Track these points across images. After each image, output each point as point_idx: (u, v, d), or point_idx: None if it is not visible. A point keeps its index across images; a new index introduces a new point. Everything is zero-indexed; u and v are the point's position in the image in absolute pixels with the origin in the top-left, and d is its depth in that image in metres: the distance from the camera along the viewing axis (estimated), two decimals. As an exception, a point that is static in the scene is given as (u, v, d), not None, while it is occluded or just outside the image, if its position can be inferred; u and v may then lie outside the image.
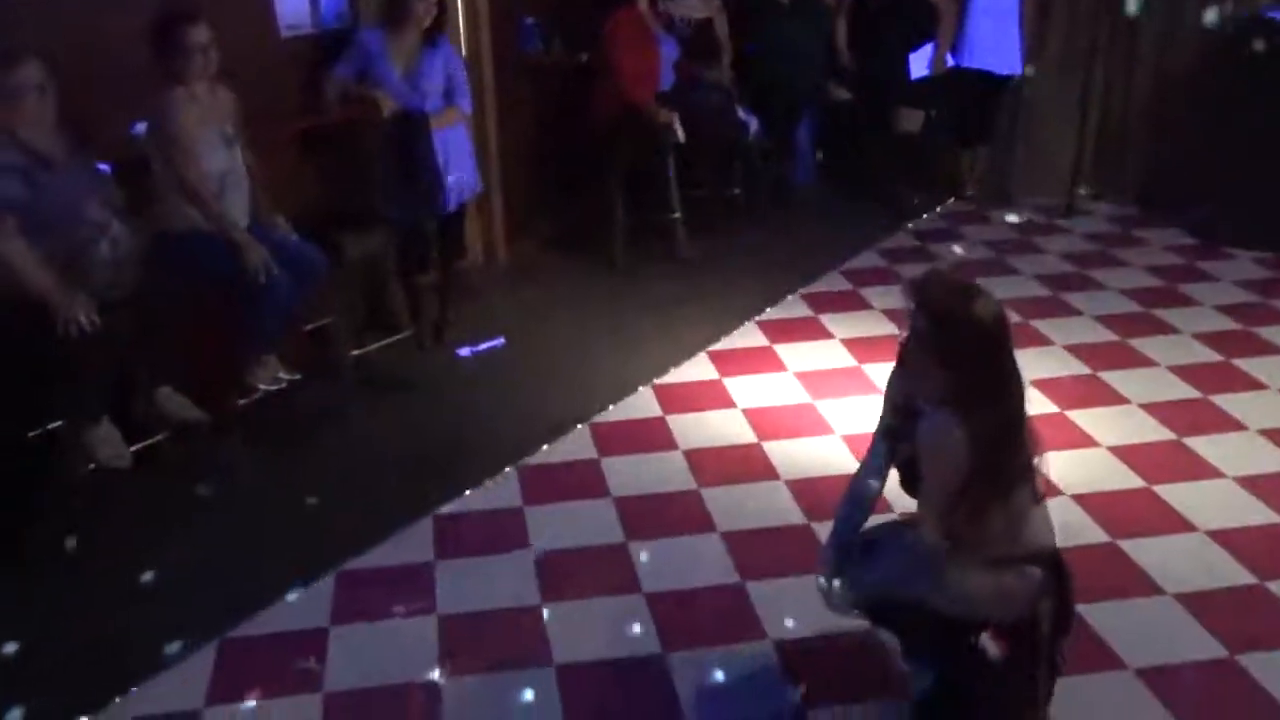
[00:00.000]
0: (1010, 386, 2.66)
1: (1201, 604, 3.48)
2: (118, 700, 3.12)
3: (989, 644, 2.69)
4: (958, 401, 2.59)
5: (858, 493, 2.93)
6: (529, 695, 3.13)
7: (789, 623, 3.41)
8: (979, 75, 7.37)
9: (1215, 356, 5.27)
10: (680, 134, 6.32)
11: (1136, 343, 5.43)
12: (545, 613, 3.49)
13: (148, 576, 3.67)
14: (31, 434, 3.98)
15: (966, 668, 2.74)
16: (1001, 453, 2.62)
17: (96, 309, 3.76)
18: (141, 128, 4.31)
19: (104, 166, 4.06)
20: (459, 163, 5.36)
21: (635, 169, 6.50)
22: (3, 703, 3.10)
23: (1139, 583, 3.59)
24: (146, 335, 4.04)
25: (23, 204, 3.70)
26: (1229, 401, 4.80)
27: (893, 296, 5.95)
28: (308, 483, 4.22)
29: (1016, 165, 7.83)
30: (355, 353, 4.93)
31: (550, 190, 6.98)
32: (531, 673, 3.22)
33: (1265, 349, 5.34)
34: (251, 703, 3.11)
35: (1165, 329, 5.60)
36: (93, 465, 3.95)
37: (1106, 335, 5.54)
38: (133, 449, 4.06)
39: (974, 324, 2.60)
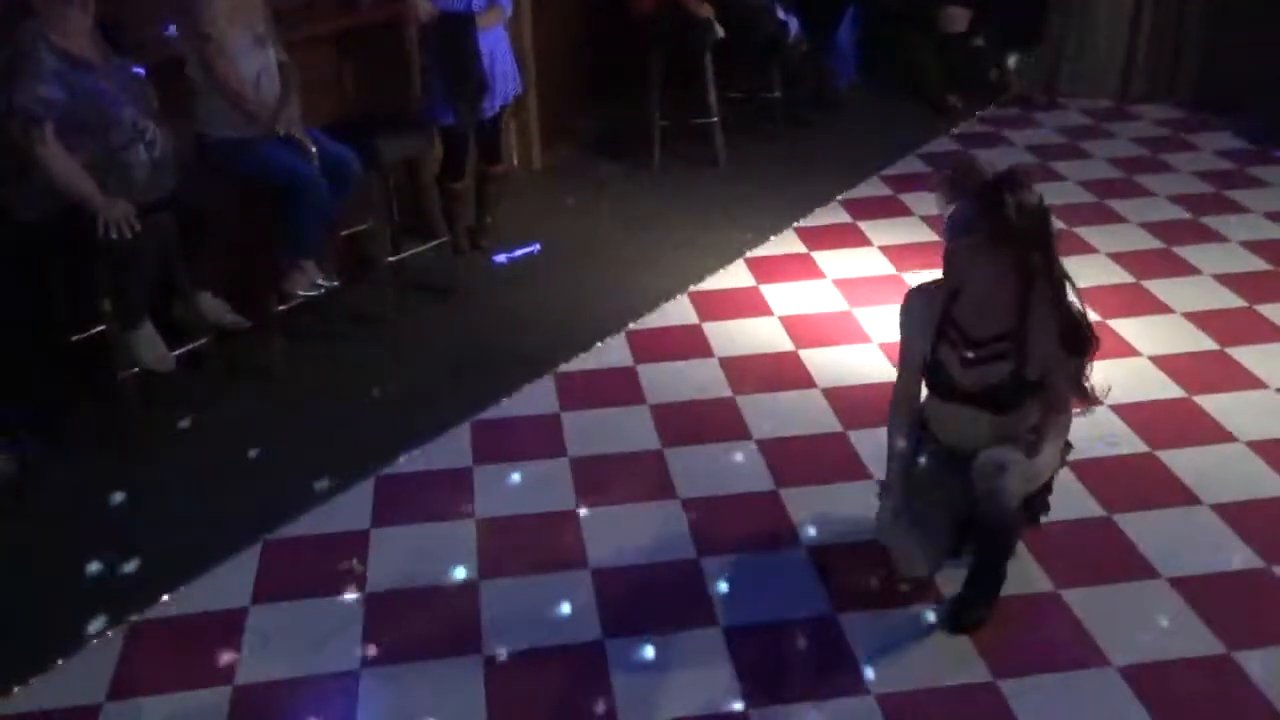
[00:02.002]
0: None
1: (1239, 514, 3.45)
2: (165, 598, 3.20)
3: None
4: (1039, 296, 2.78)
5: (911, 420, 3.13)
6: (565, 597, 3.18)
7: (822, 529, 3.43)
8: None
9: (1263, 265, 5.16)
10: (719, 30, 6.19)
11: (1182, 250, 5.33)
12: (582, 517, 3.53)
13: (190, 478, 3.76)
14: (75, 338, 4.03)
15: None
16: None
17: (136, 212, 3.77)
18: (173, 29, 4.27)
19: (140, 69, 4.04)
20: (501, 64, 5.27)
21: (673, 68, 6.38)
22: (55, 590, 3.21)
23: (1176, 493, 3.57)
24: (186, 238, 4.05)
25: (62, 108, 3.69)
26: (1275, 311, 4.71)
27: (933, 203, 5.86)
28: (347, 388, 4.27)
29: (1065, 66, 7.61)
30: (392, 258, 4.92)
31: (587, 92, 6.88)
32: (567, 575, 3.27)
33: (1316, 257, 5.23)
34: (295, 602, 3.19)
35: (1212, 236, 5.49)
36: (136, 368, 4.00)
37: (1152, 242, 5.43)
38: (175, 353, 4.10)
39: (1023, 202, 2.71)
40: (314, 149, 4.30)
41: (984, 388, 2.92)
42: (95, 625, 3.07)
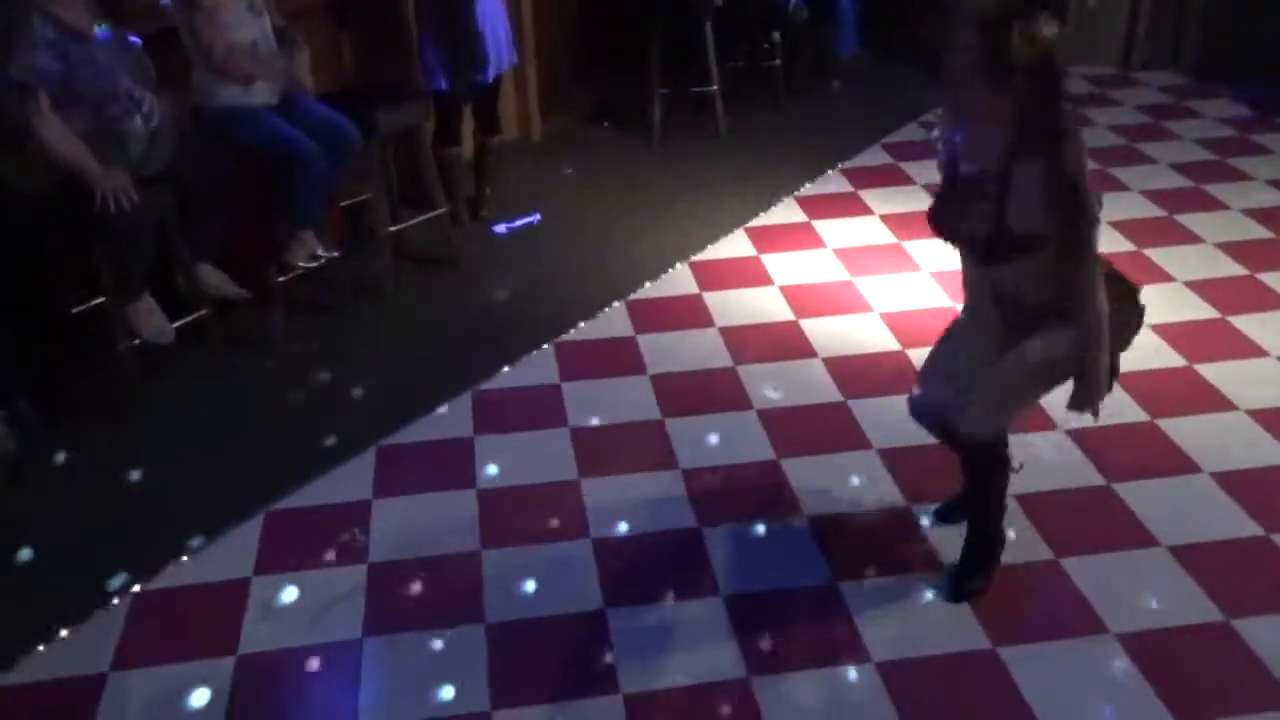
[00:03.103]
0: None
1: (1240, 482, 3.46)
2: (168, 568, 3.21)
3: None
4: (1031, 141, 2.52)
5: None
6: (566, 566, 3.19)
7: (823, 498, 3.44)
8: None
9: (1265, 233, 5.14)
10: None
11: (1184, 218, 5.31)
12: (583, 487, 3.53)
13: (191, 450, 3.76)
14: (75, 310, 4.02)
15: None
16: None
17: (133, 184, 3.75)
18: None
19: (136, 39, 4.00)
20: (496, 32, 5.23)
21: (673, 37, 6.34)
22: (57, 562, 3.21)
23: (1177, 461, 3.57)
24: (184, 210, 4.04)
25: (57, 79, 3.67)
26: (1277, 279, 4.69)
27: (935, 172, 5.83)
28: (348, 359, 4.27)
29: (1068, 32, 7.56)
30: (392, 229, 4.90)
31: (586, 63, 6.83)
32: (568, 544, 3.28)
33: (1318, 225, 5.21)
34: (297, 572, 3.20)
35: (1214, 205, 5.46)
36: (137, 340, 3.99)
37: (1154, 210, 5.41)
38: (175, 325, 4.09)
39: (1029, 32, 2.46)
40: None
41: (967, 232, 2.74)
42: (98, 596, 3.09)
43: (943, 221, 2.80)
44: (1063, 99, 2.59)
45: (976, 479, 2.99)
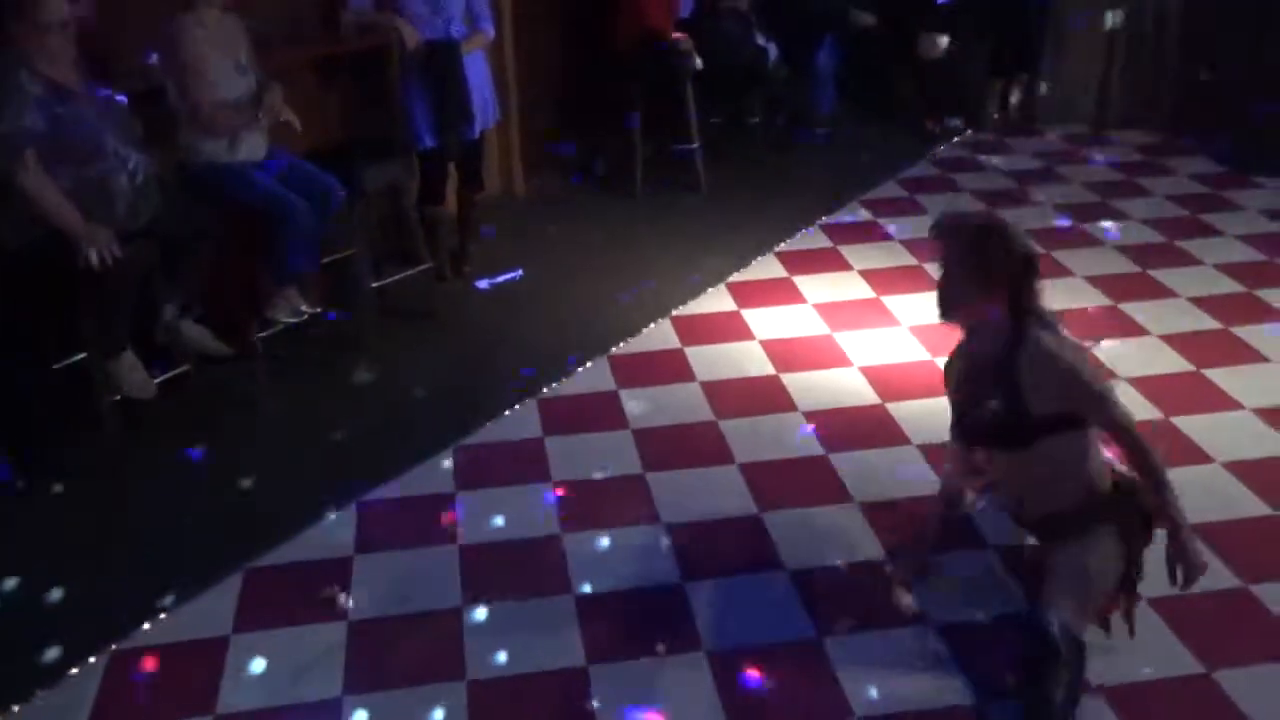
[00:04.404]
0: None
1: (1217, 535, 3.47)
2: (146, 626, 3.18)
3: None
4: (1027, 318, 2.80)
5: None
6: (549, 623, 3.18)
7: (805, 551, 3.44)
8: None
9: (1238, 287, 5.21)
10: (698, 61, 6.24)
11: (1158, 273, 5.38)
12: (565, 543, 3.53)
13: (172, 506, 3.74)
14: (57, 366, 4.01)
15: None
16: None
17: (117, 240, 3.77)
18: (155, 58, 4.28)
19: (122, 97, 4.04)
20: (480, 90, 5.30)
21: (654, 97, 6.43)
22: (38, 625, 3.18)
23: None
24: (167, 266, 4.05)
25: (44, 136, 3.70)
26: (1250, 333, 4.75)
27: (913, 228, 5.91)
28: (329, 414, 4.27)
29: (1042, 92, 7.70)
30: (375, 284, 4.93)
31: (568, 121, 6.91)
32: (551, 601, 3.27)
33: (1290, 279, 5.29)
34: (276, 630, 3.17)
35: (1188, 259, 5.54)
36: (118, 395, 3.99)
37: (1128, 265, 5.49)
38: (157, 380, 4.09)
39: (1009, 240, 2.80)
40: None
41: (983, 425, 2.90)
42: (76, 654, 3.05)
43: (971, 432, 2.99)
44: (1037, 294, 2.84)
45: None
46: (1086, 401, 2.82)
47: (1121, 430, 2.82)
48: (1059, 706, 2.61)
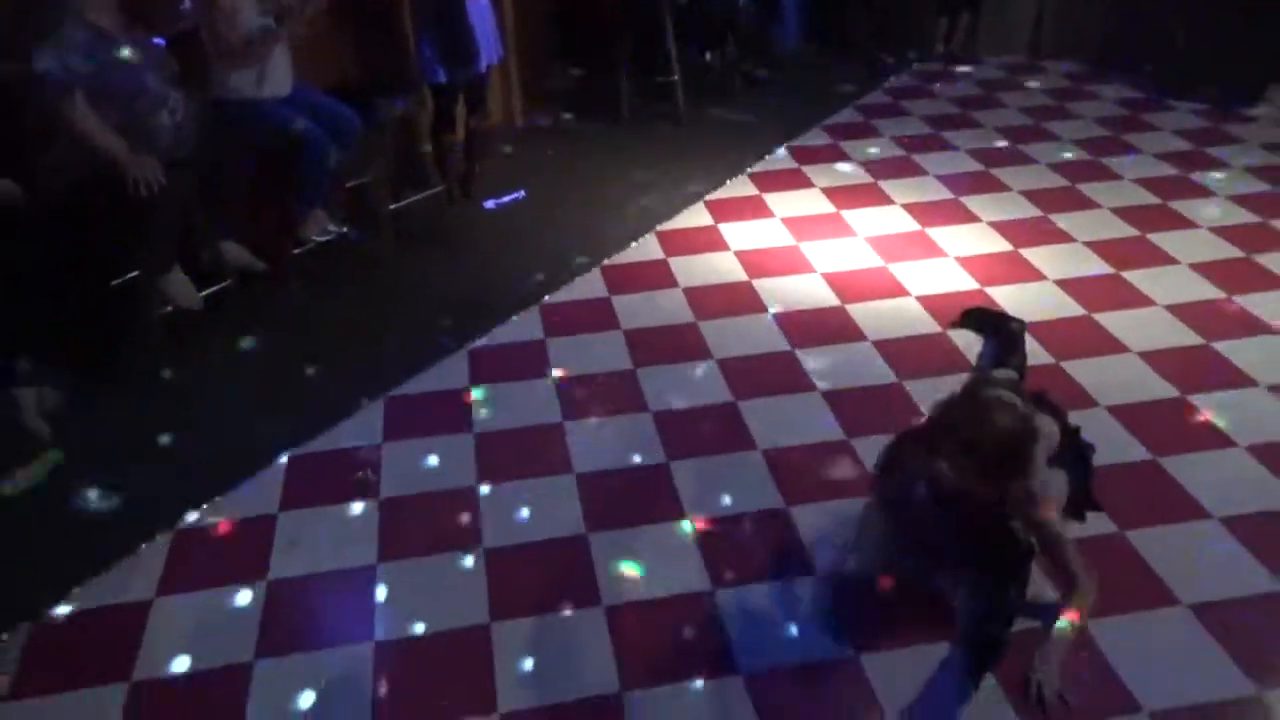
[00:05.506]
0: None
1: (1130, 414, 3.52)
2: (205, 506, 3.21)
3: None
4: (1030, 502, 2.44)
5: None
6: (553, 498, 3.22)
7: (777, 434, 3.47)
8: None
9: (1153, 199, 5.18)
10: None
11: (1084, 187, 5.34)
12: (567, 430, 3.55)
13: (222, 403, 3.74)
14: (113, 283, 3.98)
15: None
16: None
17: (160, 168, 3.70)
18: (188, 3, 4.16)
19: (160, 40, 3.94)
20: (484, 29, 5.17)
21: (639, 32, 6.29)
22: (103, 508, 3.21)
23: (1078, 397, 3.61)
24: (207, 192, 3.99)
25: (91, 78, 3.61)
26: (1163, 239, 4.74)
27: (869, 148, 5.86)
28: (357, 321, 4.25)
29: (982, 25, 7.55)
30: (393, 206, 4.87)
31: (562, 57, 6.76)
32: (555, 479, 3.30)
33: (1198, 192, 5.25)
34: (316, 509, 3.21)
35: (1110, 175, 5.50)
36: (169, 308, 3.96)
37: (1058, 180, 5.44)
38: (203, 294, 4.06)
39: (999, 434, 2.33)
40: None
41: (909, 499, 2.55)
42: (145, 531, 3.09)
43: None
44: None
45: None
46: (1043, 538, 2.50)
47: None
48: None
